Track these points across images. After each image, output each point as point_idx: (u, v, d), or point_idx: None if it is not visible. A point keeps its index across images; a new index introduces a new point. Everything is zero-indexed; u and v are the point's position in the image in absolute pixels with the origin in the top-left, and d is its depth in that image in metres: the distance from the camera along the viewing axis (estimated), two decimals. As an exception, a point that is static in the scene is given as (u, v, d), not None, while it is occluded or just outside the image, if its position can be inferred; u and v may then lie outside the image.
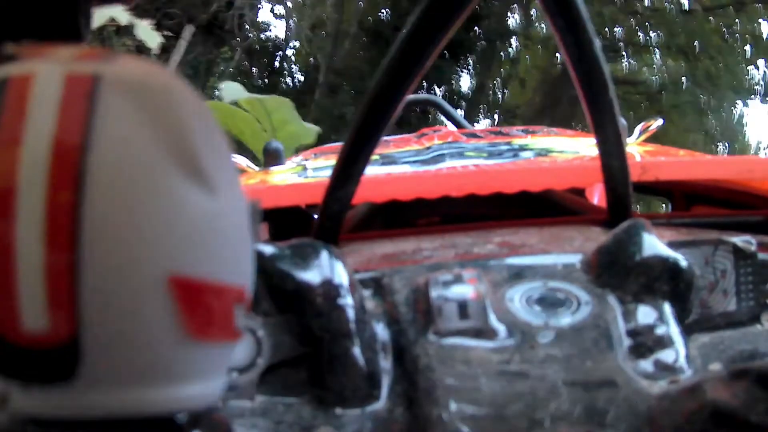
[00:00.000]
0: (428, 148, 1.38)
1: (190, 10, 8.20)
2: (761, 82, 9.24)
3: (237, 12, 8.14)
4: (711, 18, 8.47)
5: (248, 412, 0.56)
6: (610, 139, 0.75)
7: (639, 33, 8.81)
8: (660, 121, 1.37)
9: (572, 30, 0.66)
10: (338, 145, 1.48)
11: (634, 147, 1.30)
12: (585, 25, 0.65)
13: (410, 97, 0.87)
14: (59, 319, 0.30)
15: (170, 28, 8.23)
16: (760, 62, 8.86)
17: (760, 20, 8.47)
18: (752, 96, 9.56)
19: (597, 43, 0.67)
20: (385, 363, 0.60)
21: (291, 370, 0.59)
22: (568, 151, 1.27)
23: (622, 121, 0.77)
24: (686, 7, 8.48)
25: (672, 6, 8.52)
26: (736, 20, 8.48)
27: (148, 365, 0.32)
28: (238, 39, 9.05)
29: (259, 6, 8.69)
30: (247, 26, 8.74)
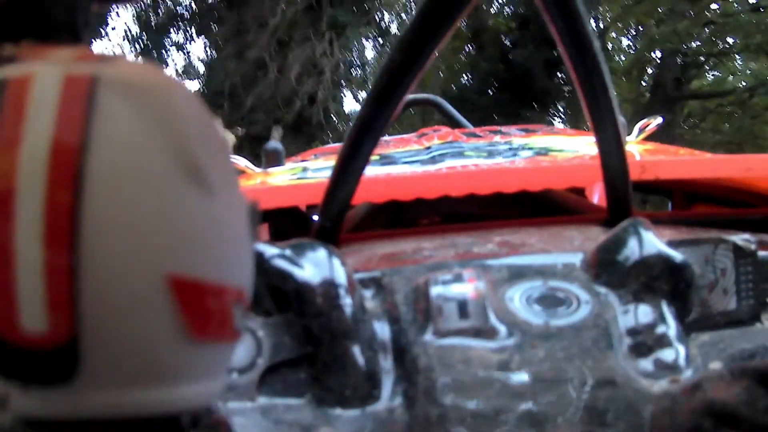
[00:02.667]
0: (428, 148, 1.38)
1: (274, 112, 8.28)
2: None
3: (321, 106, 8.17)
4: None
5: (248, 412, 0.56)
6: (609, 138, 0.75)
7: (717, 42, 8.67)
8: (659, 119, 1.37)
9: (572, 30, 0.66)
10: (338, 145, 1.48)
11: (634, 146, 1.30)
12: (585, 25, 0.65)
13: (410, 96, 0.87)
14: (58, 321, 0.30)
15: (258, 134, 8.28)
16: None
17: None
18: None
19: (597, 44, 0.67)
20: (385, 363, 0.60)
21: (291, 371, 0.59)
22: (568, 150, 1.27)
23: (622, 120, 0.77)
24: (750, 3, 8.32)
25: (740, 7, 8.39)
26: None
27: (147, 366, 0.32)
28: (328, 132, 9.11)
29: (342, 96, 8.73)
30: (334, 118, 8.76)
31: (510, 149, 1.29)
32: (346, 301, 0.59)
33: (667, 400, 0.49)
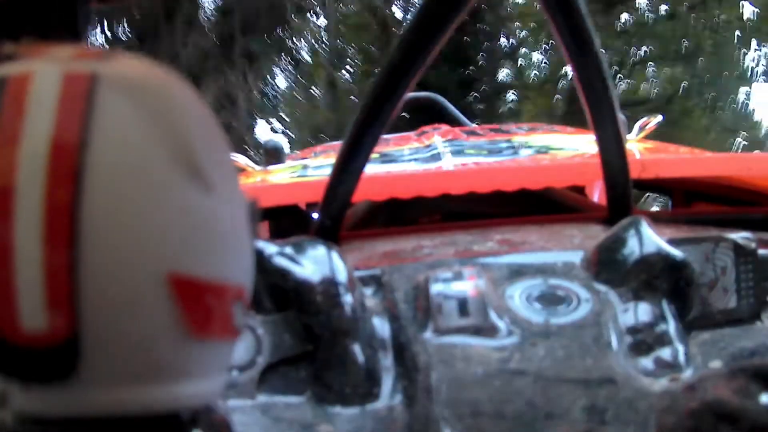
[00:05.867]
0: (428, 146, 1.38)
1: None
2: (762, 63, 9.09)
3: (236, 137, 8.12)
4: (693, 16, 8.46)
5: (248, 410, 0.56)
6: (609, 137, 0.75)
7: (633, 52, 8.78)
8: (659, 118, 1.37)
9: (573, 29, 0.66)
10: (338, 143, 1.48)
11: (634, 144, 1.30)
12: (585, 24, 0.65)
13: (410, 95, 0.87)
14: (58, 319, 0.30)
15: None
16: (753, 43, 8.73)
17: (742, 2, 8.41)
18: (756, 79, 9.39)
19: (597, 43, 0.67)
20: (385, 361, 0.60)
21: (291, 369, 0.59)
22: (568, 148, 1.27)
23: (622, 118, 0.77)
24: (667, 12, 8.49)
25: (654, 15, 8.52)
26: (718, 12, 8.44)
27: (147, 363, 0.32)
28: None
29: (254, 124, 8.64)
30: (247, 149, 8.75)
31: (510, 147, 1.29)
32: (346, 299, 0.59)
33: (667, 399, 0.49)
